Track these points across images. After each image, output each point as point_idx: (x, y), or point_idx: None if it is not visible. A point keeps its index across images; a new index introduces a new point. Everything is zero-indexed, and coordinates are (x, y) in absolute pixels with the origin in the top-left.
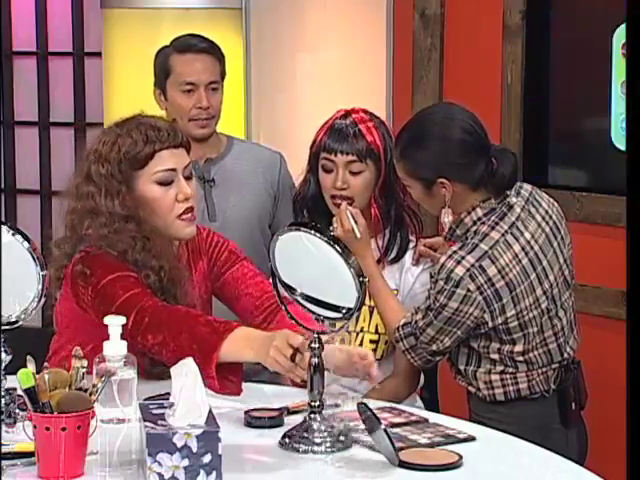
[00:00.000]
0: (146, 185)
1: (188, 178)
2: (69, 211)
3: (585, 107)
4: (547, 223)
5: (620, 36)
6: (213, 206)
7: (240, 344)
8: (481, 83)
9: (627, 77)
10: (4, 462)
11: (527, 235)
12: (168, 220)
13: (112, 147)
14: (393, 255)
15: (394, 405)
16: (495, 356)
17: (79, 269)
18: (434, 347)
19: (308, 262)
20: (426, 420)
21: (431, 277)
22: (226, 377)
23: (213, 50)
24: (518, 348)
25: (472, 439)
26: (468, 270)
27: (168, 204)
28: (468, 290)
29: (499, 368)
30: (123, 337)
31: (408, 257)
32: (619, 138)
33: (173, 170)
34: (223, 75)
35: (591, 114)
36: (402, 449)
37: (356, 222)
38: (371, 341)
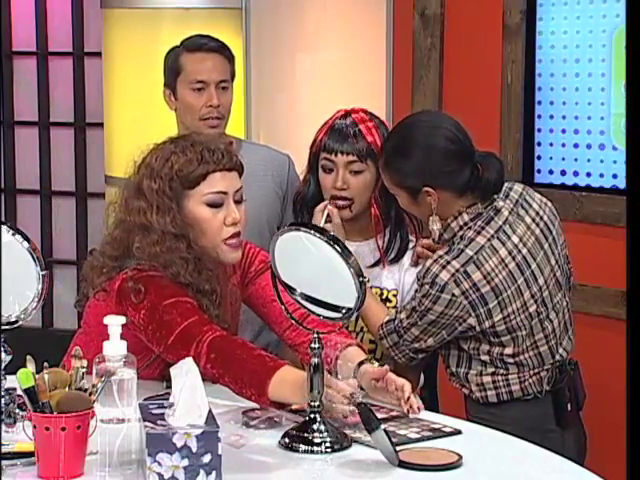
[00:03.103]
0: (196, 205)
1: (238, 202)
2: (117, 223)
3: (584, 107)
4: (537, 225)
5: (620, 36)
6: None
7: (286, 389)
8: (481, 83)
9: (627, 77)
10: (4, 462)
11: (515, 239)
12: (215, 242)
13: (165, 163)
14: (393, 255)
15: (372, 401)
16: (485, 357)
17: (131, 288)
18: (417, 345)
19: (308, 262)
20: (406, 415)
21: (417, 280)
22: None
23: (223, 50)
24: (508, 351)
25: (458, 432)
26: (453, 275)
27: (216, 226)
28: (453, 295)
29: (490, 370)
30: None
31: (407, 257)
32: (619, 138)
33: (224, 193)
34: (233, 75)
35: (591, 114)
36: (396, 444)
37: (330, 221)
38: (371, 341)
